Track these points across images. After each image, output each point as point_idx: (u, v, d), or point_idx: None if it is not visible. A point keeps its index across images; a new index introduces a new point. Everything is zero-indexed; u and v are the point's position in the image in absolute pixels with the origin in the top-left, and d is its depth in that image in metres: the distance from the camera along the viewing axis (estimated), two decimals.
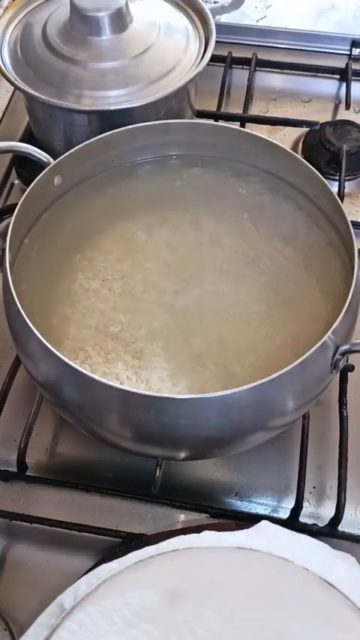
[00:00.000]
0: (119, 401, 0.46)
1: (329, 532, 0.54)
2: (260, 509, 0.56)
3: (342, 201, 0.56)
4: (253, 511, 0.56)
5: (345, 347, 0.48)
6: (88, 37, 0.65)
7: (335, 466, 0.55)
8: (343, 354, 0.49)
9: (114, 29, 0.65)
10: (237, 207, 0.61)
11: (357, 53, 0.88)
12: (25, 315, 0.47)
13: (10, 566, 0.54)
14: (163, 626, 0.43)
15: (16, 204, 0.53)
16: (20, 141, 0.74)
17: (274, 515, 0.56)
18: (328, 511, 0.55)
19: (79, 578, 0.46)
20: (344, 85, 0.85)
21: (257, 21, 0.91)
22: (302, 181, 0.59)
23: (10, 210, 0.69)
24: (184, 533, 0.47)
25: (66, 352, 0.52)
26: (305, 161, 0.57)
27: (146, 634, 0.42)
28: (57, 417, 0.60)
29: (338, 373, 0.56)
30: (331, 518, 0.54)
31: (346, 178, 0.74)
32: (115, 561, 0.46)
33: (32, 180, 0.55)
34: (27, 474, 0.57)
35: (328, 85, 0.87)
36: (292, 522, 0.54)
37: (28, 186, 0.54)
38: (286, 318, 0.54)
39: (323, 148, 0.76)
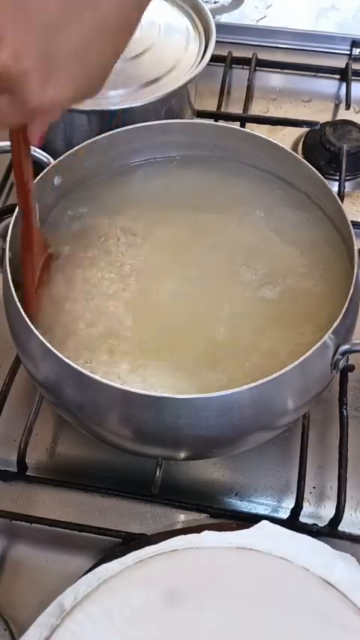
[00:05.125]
0: (119, 401, 0.46)
1: (329, 532, 0.54)
2: (260, 509, 0.56)
3: (342, 201, 0.56)
4: (253, 511, 0.56)
5: (345, 347, 0.49)
6: None
7: (335, 466, 0.55)
8: (344, 354, 0.49)
9: None
10: (237, 207, 0.61)
11: (357, 53, 0.89)
12: (25, 315, 0.47)
13: (10, 566, 0.54)
14: (163, 626, 0.43)
15: (16, 204, 0.53)
16: None
17: (274, 515, 0.56)
18: (328, 511, 0.55)
19: (79, 578, 0.46)
20: (344, 84, 0.85)
21: (257, 21, 0.91)
22: (302, 181, 0.59)
23: (10, 210, 0.69)
24: (184, 533, 0.47)
25: (66, 352, 0.51)
26: (305, 161, 0.57)
27: (146, 634, 0.42)
28: (57, 417, 0.60)
29: (338, 373, 0.56)
30: (331, 519, 0.54)
31: (346, 178, 0.74)
32: (115, 561, 0.46)
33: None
34: (27, 474, 0.57)
35: (329, 85, 0.87)
36: (292, 522, 0.54)
37: None
38: (286, 318, 0.54)
39: (323, 147, 0.76)
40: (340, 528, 0.54)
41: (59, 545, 0.54)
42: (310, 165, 0.57)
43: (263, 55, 0.86)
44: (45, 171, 0.56)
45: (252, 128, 0.72)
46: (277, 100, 0.85)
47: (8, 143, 0.47)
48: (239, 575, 0.46)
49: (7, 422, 0.58)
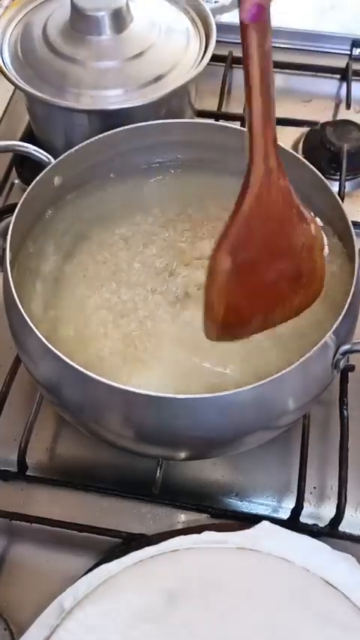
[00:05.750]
0: (120, 401, 0.46)
1: (330, 532, 0.54)
2: (261, 510, 0.56)
3: (342, 201, 0.56)
4: (254, 511, 0.56)
5: (346, 347, 0.48)
6: (88, 37, 0.65)
7: (336, 466, 0.55)
8: (344, 354, 0.49)
9: (114, 29, 0.65)
10: None
11: (357, 53, 0.88)
12: (25, 315, 0.47)
13: (10, 566, 0.54)
14: (163, 626, 0.43)
15: (17, 203, 0.53)
16: (20, 140, 0.74)
17: (275, 515, 0.56)
18: (328, 511, 0.55)
19: (79, 579, 0.46)
20: (345, 84, 0.85)
21: None
22: (302, 181, 0.59)
23: (10, 209, 0.69)
24: (185, 534, 0.47)
25: (67, 351, 0.51)
26: (306, 161, 0.57)
27: (146, 634, 0.42)
28: (57, 416, 0.60)
29: (339, 373, 0.56)
30: (332, 519, 0.54)
31: (347, 178, 0.74)
32: (115, 561, 0.46)
33: (32, 180, 0.55)
34: (27, 473, 0.57)
35: (329, 85, 0.87)
36: (292, 522, 0.54)
37: (28, 185, 0.54)
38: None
39: (324, 147, 0.76)
40: (340, 528, 0.54)
41: (59, 545, 0.54)
42: (310, 165, 0.57)
43: None
44: (45, 170, 0.55)
45: None
46: (278, 100, 0.83)
47: (8, 142, 0.47)
48: (239, 576, 0.46)
49: (7, 421, 0.58)
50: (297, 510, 0.54)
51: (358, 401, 0.61)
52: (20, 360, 0.56)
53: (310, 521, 0.55)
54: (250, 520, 0.51)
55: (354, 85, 0.83)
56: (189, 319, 0.54)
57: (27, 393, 0.60)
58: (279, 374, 0.44)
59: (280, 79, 0.87)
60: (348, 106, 0.82)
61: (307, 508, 0.55)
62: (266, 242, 0.41)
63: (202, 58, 0.67)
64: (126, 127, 0.59)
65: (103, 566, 0.46)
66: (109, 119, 0.62)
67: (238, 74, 0.86)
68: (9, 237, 0.51)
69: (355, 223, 0.54)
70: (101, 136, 0.58)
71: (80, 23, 0.65)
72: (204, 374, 0.51)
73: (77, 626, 0.43)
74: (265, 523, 0.48)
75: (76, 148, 0.57)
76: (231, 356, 0.52)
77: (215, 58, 0.71)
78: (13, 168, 0.76)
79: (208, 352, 0.52)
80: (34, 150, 0.56)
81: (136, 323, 0.54)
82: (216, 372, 0.52)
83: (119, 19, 0.65)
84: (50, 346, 0.46)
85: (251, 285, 0.42)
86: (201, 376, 0.51)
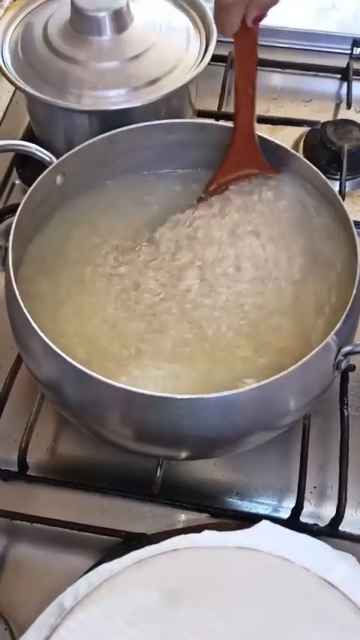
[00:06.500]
0: (121, 400, 0.46)
1: (330, 532, 0.54)
2: (261, 509, 0.56)
3: (343, 201, 0.56)
4: (254, 511, 0.56)
5: (347, 348, 0.49)
6: (89, 37, 0.65)
7: (336, 466, 0.55)
8: (346, 355, 0.49)
9: (115, 29, 0.65)
10: (237, 207, 0.61)
11: (358, 52, 0.88)
12: (27, 314, 0.47)
13: (11, 565, 0.54)
14: (164, 625, 0.43)
15: (18, 203, 0.53)
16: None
17: (275, 514, 0.56)
18: (328, 511, 0.55)
19: (79, 578, 0.46)
20: (345, 84, 0.85)
21: None
22: (303, 181, 0.59)
23: (12, 209, 0.69)
24: (185, 533, 0.47)
25: (68, 351, 0.51)
26: (306, 160, 0.57)
27: (146, 634, 0.42)
28: (58, 416, 0.60)
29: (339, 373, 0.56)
30: (332, 518, 0.54)
31: (347, 178, 0.74)
32: (116, 561, 0.46)
33: (33, 181, 0.55)
34: (28, 473, 0.57)
35: (329, 85, 0.87)
36: (292, 522, 0.54)
37: (29, 186, 0.54)
38: (288, 319, 0.54)
39: (324, 147, 0.76)
40: (340, 528, 0.54)
41: (59, 545, 0.54)
42: (311, 165, 0.57)
43: (264, 55, 0.85)
44: (47, 170, 0.56)
45: None
46: (278, 100, 0.85)
47: (11, 142, 0.47)
48: (239, 575, 0.46)
49: (8, 421, 0.58)
50: (297, 510, 0.54)
51: (359, 401, 0.61)
52: (21, 360, 0.56)
53: (310, 521, 0.55)
54: (250, 519, 0.51)
55: (354, 85, 0.83)
56: (196, 316, 0.54)
57: (28, 392, 0.60)
58: (280, 374, 0.44)
59: (280, 79, 0.87)
60: (348, 106, 0.82)
61: (308, 508, 0.55)
62: None
63: (203, 58, 0.67)
64: (127, 127, 0.59)
65: (104, 566, 0.46)
66: (109, 119, 0.62)
67: None
68: (11, 236, 0.51)
69: (356, 223, 0.54)
70: (102, 136, 0.58)
71: (81, 24, 0.65)
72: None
73: (78, 626, 0.43)
74: (265, 522, 0.48)
75: (79, 147, 0.57)
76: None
77: (215, 58, 0.71)
78: (14, 169, 0.76)
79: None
80: (37, 149, 0.57)
81: (140, 320, 0.54)
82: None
83: (120, 20, 0.65)
84: (52, 345, 0.46)
85: None
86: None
